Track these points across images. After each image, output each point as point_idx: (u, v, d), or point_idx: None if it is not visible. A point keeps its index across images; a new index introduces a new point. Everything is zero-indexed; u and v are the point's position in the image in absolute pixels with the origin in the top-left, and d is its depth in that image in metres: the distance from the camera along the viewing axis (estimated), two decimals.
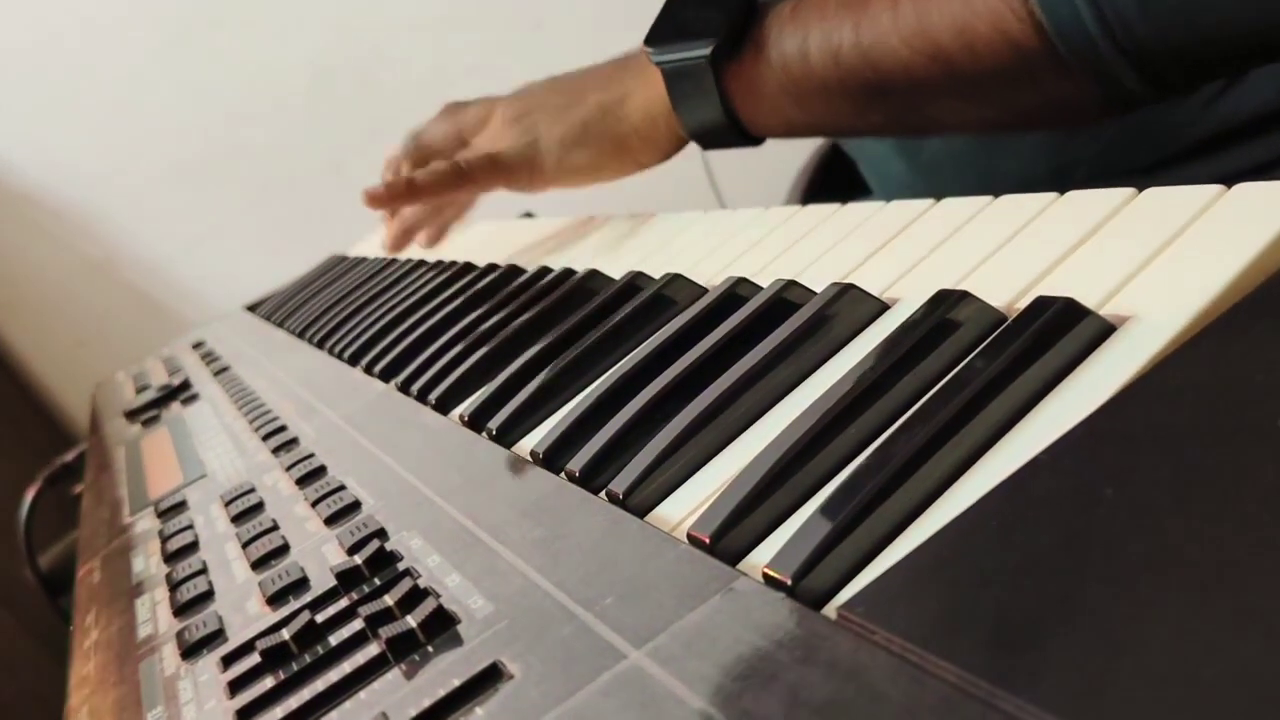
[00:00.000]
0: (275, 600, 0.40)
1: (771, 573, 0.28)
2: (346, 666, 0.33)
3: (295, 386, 0.70)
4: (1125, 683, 0.19)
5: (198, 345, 1.03)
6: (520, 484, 0.40)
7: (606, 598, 0.30)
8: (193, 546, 0.50)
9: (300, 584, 0.40)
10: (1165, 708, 0.18)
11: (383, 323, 0.71)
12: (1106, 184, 0.38)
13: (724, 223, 0.58)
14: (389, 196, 0.70)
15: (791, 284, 0.44)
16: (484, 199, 0.82)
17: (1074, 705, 0.19)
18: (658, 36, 0.60)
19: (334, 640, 0.35)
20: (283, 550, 0.44)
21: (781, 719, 0.22)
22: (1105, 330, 0.31)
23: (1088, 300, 0.32)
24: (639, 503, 0.36)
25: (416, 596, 0.34)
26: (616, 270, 0.59)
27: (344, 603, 0.37)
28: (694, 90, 0.59)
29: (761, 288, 0.46)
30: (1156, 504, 0.23)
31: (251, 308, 1.15)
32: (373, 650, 0.33)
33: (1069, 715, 0.19)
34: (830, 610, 0.26)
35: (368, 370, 0.65)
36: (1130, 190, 0.37)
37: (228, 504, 0.52)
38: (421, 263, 0.85)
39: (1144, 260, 0.33)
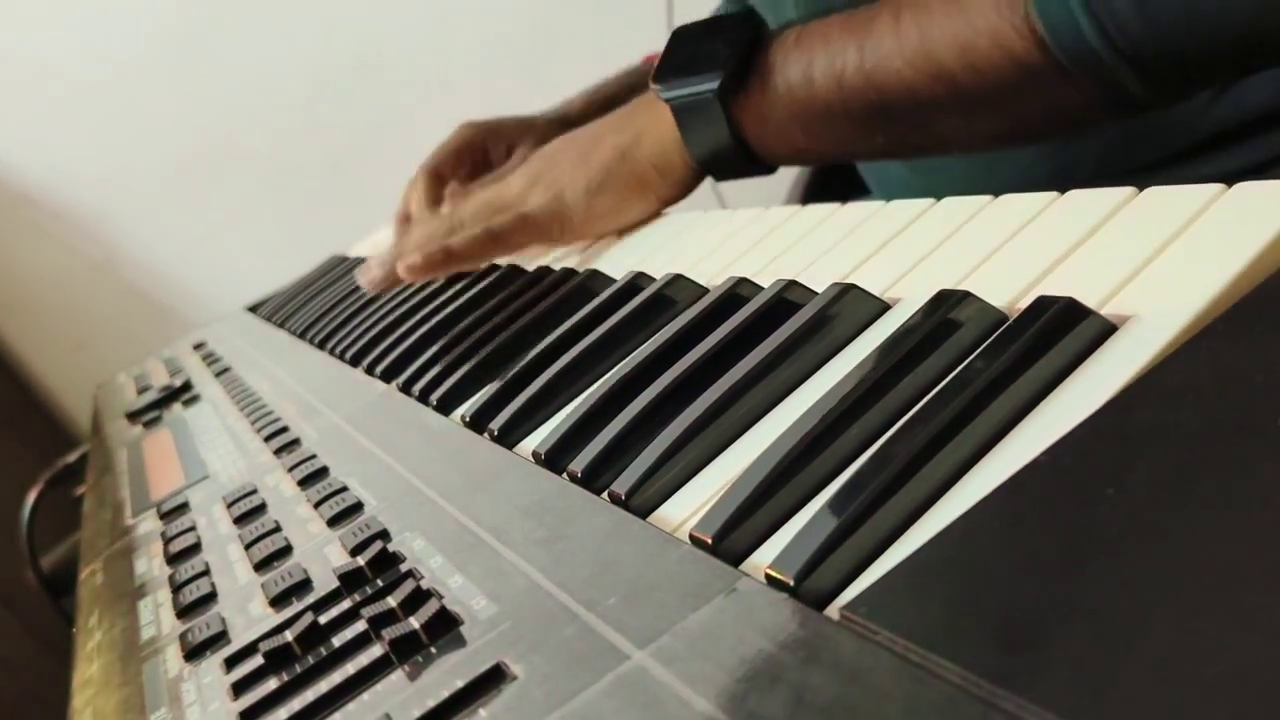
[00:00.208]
0: (278, 602, 0.40)
1: (774, 573, 0.28)
2: (350, 668, 0.33)
3: (297, 387, 0.70)
4: (1128, 682, 0.19)
5: (199, 346, 1.03)
6: (522, 485, 0.40)
7: (609, 598, 0.30)
8: (195, 548, 0.50)
9: (303, 585, 0.40)
10: (1168, 707, 0.19)
11: (384, 324, 0.72)
12: (1107, 183, 0.38)
13: (724, 223, 0.58)
14: (427, 268, 0.70)
15: (792, 284, 0.44)
16: None
17: (1077, 705, 0.19)
18: (665, 73, 0.60)
19: (337, 642, 0.35)
20: (285, 552, 0.44)
21: (786, 719, 0.22)
22: (1107, 330, 0.31)
23: (1088, 300, 0.32)
24: (641, 503, 0.36)
25: (419, 598, 0.34)
26: (617, 270, 0.59)
27: (347, 604, 0.37)
28: (704, 124, 0.60)
29: (762, 288, 0.46)
30: (1158, 503, 0.23)
31: (252, 308, 1.15)
32: (376, 651, 0.33)
33: (1072, 715, 0.19)
34: (833, 611, 0.26)
35: (369, 371, 0.65)
36: (1131, 189, 0.37)
37: (230, 505, 0.52)
38: None
39: (1145, 260, 0.33)
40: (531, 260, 0.72)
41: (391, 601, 0.35)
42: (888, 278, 0.42)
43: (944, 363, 0.34)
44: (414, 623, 0.33)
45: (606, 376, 0.46)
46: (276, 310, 1.02)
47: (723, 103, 0.58)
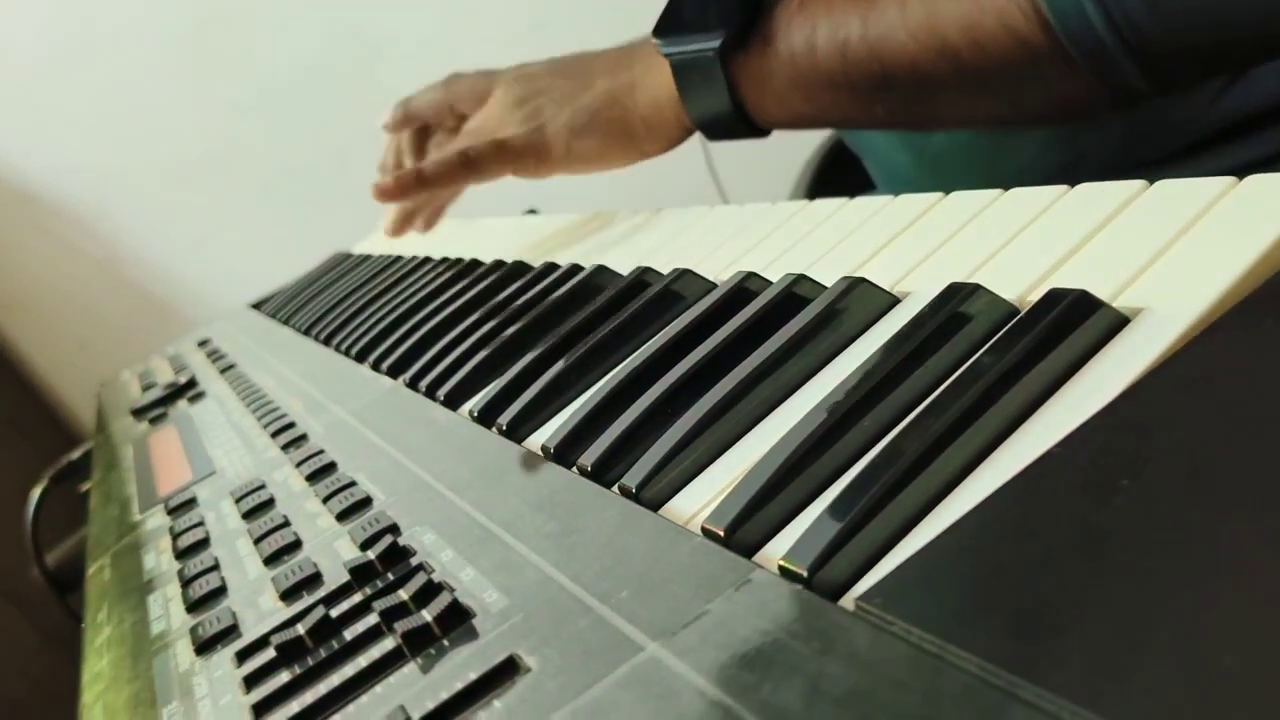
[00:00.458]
0: (289, 596, 0.40)
1: (788, 565, 0.28)
2: (362, 661, 0.33)
3: (302, 383, 0.70)
4: (1145, 670, 0.19)
5: (203, 343, 1.03)
6: (532, 479, 0.40)
7: (622, 591, 0.30)
8: (204, 543, 0.50)
9: (313, 579, 0.40)
10: (1185, 695, 0.19)
11: (389, 319, 0.72)
12: (1115, 177, 0.38)
13: (731, 218, 0.58)
14: (398, 189, 0.70)
15: (801, 278, 0.44)
16: (487, 192, 0.81)
17: (1094, 693, 0.19)
18: (666, 28, 0.60)
19: (349, 635, 0.35)
20: (295, 546, 0.44)
21: (802, 710, 0.22)
22: (1119, 322, 0.31)
23: (1100, 292, 0.32)
24: (652, 497, 0.36)
25: (431, 591, 0.34)
26: (624, 266, 0.59)
27: (358, 598, 0.37)
28: (702, 82, 0.59)
29: (771, 282, 0.46)
30: (1173, 494, 0.23)
31: (256, 305, 1.15)
32: (388, 644, 0.33)
33: (1089, 703, 0.19)
34: (848, 602, 0.26)
35: (375, 367, 0.65)
36: (1141, 182, 0.37)
37: (238, 500, 0.52)
38: (427, 260, 0.85)
39: (1156, 252, 0.33)
40: (537, 257, 0.72)
41: (403, 595, 0.35)
42: (897, 271, 0.42)
43: (956, 355, 0.34)
44: (426, 615, 0.33)
45: (615, 371, 0.46)
46: (280, 307, 1.02)
47: (723, 63, 0.58)
